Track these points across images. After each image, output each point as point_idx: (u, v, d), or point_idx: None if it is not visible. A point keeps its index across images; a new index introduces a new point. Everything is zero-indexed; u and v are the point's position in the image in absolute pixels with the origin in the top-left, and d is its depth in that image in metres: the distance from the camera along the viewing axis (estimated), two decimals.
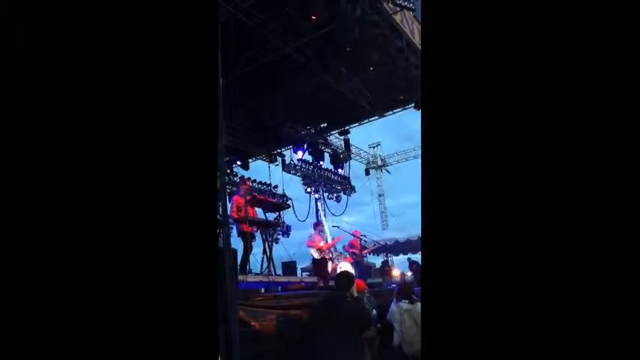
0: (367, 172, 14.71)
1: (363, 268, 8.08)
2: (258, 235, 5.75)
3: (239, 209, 5.44)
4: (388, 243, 11.48)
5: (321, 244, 6.71)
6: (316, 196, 12.44)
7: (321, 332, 2.92)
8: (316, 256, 6.66)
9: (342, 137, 11.41)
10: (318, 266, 6.59)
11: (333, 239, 7.23)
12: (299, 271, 8.83)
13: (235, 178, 10.77)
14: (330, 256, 6.77)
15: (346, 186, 12.74)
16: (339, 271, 5.42)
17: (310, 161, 11.49)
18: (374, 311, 3.86)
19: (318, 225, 7.30)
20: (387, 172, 15.70)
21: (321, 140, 11.16)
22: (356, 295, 3.54)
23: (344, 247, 7.71)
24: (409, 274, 9.64)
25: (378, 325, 3.80)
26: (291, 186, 12.12)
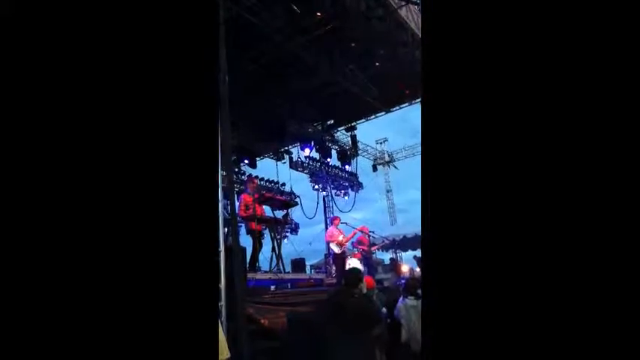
0: (375, 169, 14.67)
1: (372, 265, 8.07)
2: (266, 232, 5.78)
3: (247, 207, 5.46)
4: (396, 239, 11.44)
5: (340, 238, 6.73)
6: (324, 193, 12.43)
7: (329, 329, 2.92)
8: (337, 250, 6.66)
9: (349, 134, 11.39)
10: (340, 261, 6.59)
11: (350, 233, 7.20)
12: (308, 269, 8.86)
13: (243, 177, 10.80)
14: (345, 251, 6.80)
15: (354, 182, 12.72)
16: (347, 267, 5.39)
17: (317, 158, 11.49)
18: (383, 308, 3.85)
19: (335, 219, 7.30)
20: (395, 167, 15.63)
21: (328, 137, 11.15)
22: (365, 291, 3.53)
23: (352, 243, 7.72)
24: (417, 270, 9.61)
25: (388, 321, 3.79)
26: (299, 183, 12.14)
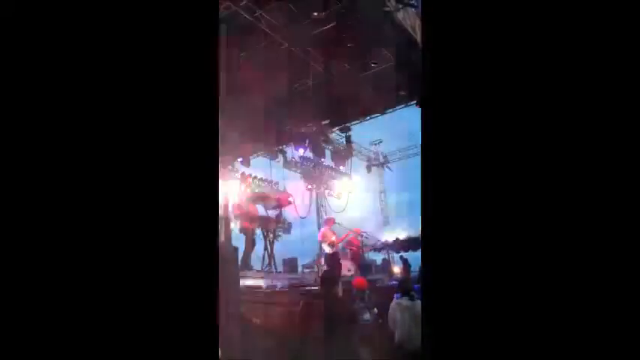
0: (369, 170, 14.68)
1: (364, 266, 8.09)
2: (259, 231, 5.77)
3: (240, 206, 5.44)
4: (389, 240, 11.48)
5: (333, 238, 6.75)
6: (317, 193, 12.42)
7: (310, 329, 2.93)
8: (329, 250, 6.69)
9: (344, 134, 11.38)
10: (331, 260, 6.61)
11: (343, 234, 7.21)
12: (300, 268, 8.85)
13: (236, 175, 10.76)
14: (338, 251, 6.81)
15: (347, 183, 12.71)
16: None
17: (311, 158, 11.47)
18: (375, 309, 3.86)
19: (329, 221, 7.31)
20: (389, 169, 15.67)
21: (322, 137, 11.14)
22: (341, 294, 3.53)
23: (344, 244, 7.72)
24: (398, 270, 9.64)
25: (380, 321, 3.80)
26: (293, 183, 12.10)
